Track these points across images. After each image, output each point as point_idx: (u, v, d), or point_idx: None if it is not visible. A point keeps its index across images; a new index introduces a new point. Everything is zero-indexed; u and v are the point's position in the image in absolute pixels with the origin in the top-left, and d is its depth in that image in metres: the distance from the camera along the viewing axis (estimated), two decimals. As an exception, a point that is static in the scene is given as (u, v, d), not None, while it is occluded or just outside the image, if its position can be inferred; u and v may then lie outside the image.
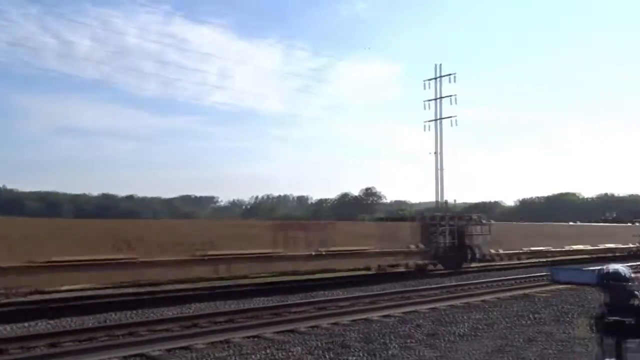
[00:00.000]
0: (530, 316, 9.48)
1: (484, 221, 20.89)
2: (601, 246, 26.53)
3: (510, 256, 22.11)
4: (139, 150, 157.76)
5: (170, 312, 10.19)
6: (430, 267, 19.37)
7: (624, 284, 1.55)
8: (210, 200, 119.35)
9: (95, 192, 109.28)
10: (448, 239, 18.94)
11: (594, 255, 26.12)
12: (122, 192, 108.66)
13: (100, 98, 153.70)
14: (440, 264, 19.35)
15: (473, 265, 20.38)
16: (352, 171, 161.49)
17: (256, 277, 15.48)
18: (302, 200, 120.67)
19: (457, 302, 10.95)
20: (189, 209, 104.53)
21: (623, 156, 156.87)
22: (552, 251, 24.08)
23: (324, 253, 14.87)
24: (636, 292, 1.52)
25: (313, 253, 14.69)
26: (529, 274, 17.17)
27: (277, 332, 8.02)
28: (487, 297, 11.68)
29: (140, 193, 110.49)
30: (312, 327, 8.36)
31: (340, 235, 15.78)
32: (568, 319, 9.31)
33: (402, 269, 17.92)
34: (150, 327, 8.35)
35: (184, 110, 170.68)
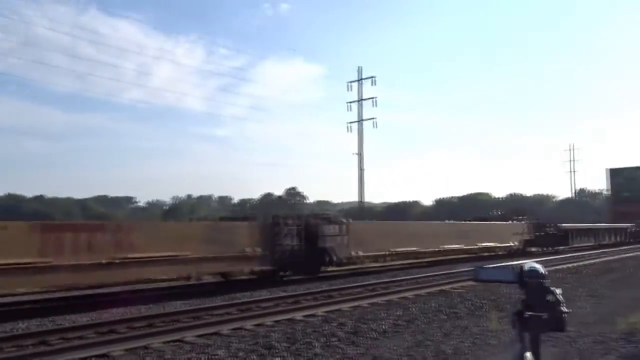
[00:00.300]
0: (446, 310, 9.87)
1: (343, 220, 18.62)
2: (480, 245, 25.03)
3: (374, 258, 20.10)
4: (49, 149, 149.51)
5: (84, 318, 9.70)
6: (288, 273, 16.70)
7: (541, 281, 1.63)
8: (129, 200, 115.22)
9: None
10: (295, 241, 16.36)
11: (472, 255, 25.09)
12: (29, 193, 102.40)
13: (5, 92, 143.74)
14: (290, 270, 16.63)
15: (333, 269, 18.29)
16: (276, 171, 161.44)
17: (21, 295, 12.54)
18: (224, 200, 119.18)
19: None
20: (105, 209, 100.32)
21: (531, 159, 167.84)
22: (424, 252, 21.93)
23: (117, 261, 11.91)
24: (551, 289, 1.62)
25: (104, 261, 11.71)
26: (397, 277, 16.11)
27: (199, 336, 7.86)
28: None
29: (51, 193, 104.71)
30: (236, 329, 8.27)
31: (148, 238, 12.84)
32: (481, 313, 9.76)
33: (244, 277, 15.74)
34: (63, 334, 7.92)
35: (98, 107, 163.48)
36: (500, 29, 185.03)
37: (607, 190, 64.81)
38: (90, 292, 12.97)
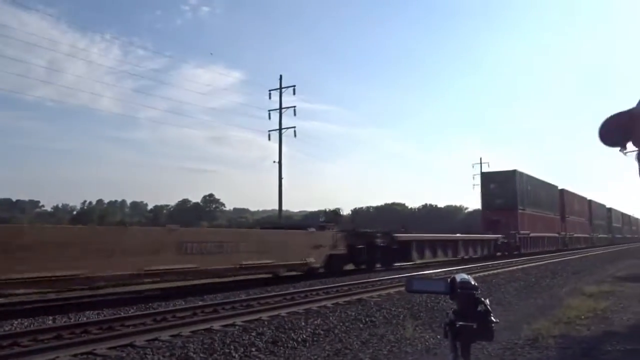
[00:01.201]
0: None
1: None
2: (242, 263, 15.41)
3: None
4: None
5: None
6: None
7: (472, 292, 1.72)
8: (34, 204, 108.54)
9: None
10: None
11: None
12: None
13: None
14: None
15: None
16: (193, 177, 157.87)
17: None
18: (137, 206, 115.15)
19: None
20: (7, 214, 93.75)
21: (445, 172, 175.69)
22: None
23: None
24: (482, 299, 1.71)
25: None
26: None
27: (112, 348, 7.51)
28: None
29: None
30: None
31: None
32: (397, 321, 10.03)
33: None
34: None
35: (3, 104, 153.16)
36: (419, 40, 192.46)
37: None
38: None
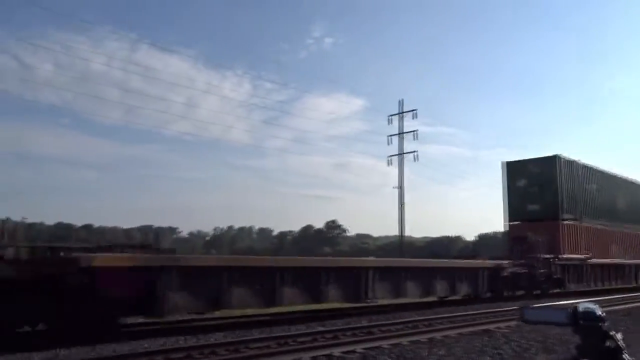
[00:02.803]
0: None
1: None
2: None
3: None
4: (98, 179, 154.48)
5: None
6: None
7: (599, 324, 1.47)
8: (172, 230, 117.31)
9: (50, 221, 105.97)
10: None
11: None
12: (79, 222, 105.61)
13: (60, 124, 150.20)
14: None
15: None
16: (316, 203, 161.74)
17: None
18: (264, 232, 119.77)
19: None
20: (150, 239, 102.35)
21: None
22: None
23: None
24: (611, 333, 1.45)
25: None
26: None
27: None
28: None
29: (99, 223, 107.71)
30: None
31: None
32: (528, 355, 9.34)
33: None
34: None
35: (146, 138, 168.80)
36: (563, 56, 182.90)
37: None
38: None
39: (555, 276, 23.01)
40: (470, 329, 12.33)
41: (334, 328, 11.90)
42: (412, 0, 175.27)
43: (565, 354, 1.70)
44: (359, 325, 12.45)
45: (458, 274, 19.19)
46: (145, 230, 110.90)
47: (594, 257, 26.13)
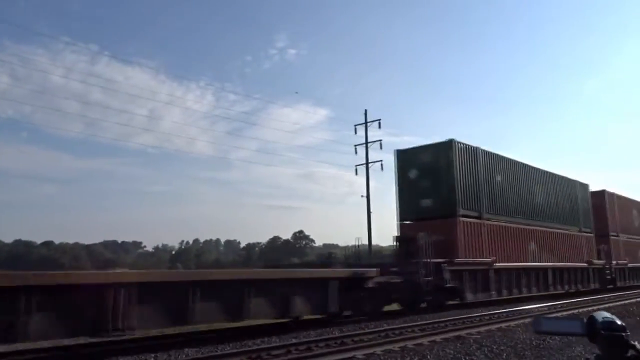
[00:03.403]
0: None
1: None
2: None
3: None
4: (59, 194, 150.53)
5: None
6: None
7: (620, 334, 1.43)
8: (137, 245, 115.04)
9: (8, 238, 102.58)
10: None
11: None
12: (39, 239, 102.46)
13: (18, 138, 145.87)
14: None
15: None
16: (282, 214, 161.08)
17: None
18: (231, 244, 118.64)
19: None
20: (113, 255, 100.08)
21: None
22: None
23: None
24: (633, 343, 1.41)
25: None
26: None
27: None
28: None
29: (59, 239, 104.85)
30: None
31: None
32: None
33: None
34: None
35: (108, 152, 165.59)
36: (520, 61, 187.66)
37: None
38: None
39: (448, 285, 18.52)
40: (443, 335, 12.38)
41: (306, 340, 11.78)
42: (375, 10, 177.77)
43: None
44: (331, 336, 12.36)
45: (292, 288, 13.98)
46: (109, 245, 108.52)
47: (504, 261, 21.94)
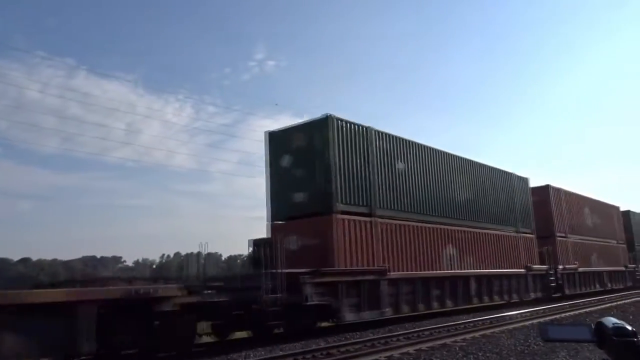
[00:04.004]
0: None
1: None
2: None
3: None
4: (35, 210, 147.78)
5: None
6: None
7: (632, 339, 1.41)
8: (116, 260, 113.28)
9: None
10: None
11: None
12: (15, 256, 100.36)
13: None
14: None
15: None
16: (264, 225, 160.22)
17: None
18: (212, 257, 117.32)
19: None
20: (93, 270, 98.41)
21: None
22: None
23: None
24: None
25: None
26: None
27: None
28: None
29: (37, 256, 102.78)
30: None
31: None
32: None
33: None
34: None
35: (86, 166, 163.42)
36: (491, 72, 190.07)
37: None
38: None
39: (310, 302, 13.89)
40: (428, 344, 12.37)
41: (292, 352, 11.70)
42: (351, 19, 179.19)
43: None
44: (317, 347, 12.28)
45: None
46: (87, 260, 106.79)
47: (405, 269, 17.59)
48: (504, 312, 19.31)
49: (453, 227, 20.66)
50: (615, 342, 1.40)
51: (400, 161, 18.58)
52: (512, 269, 23.92)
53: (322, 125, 16.26)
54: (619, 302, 24.18)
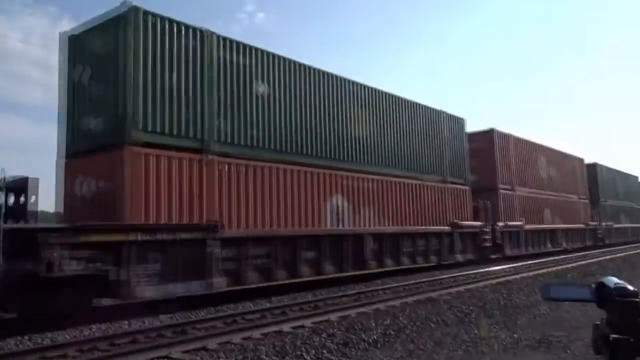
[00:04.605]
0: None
1: None
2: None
3: None
4: (20, 162, 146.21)
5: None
6: None
7: (634, 299, 1.44)
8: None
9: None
10: None
11: None
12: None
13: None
14: None
15: None
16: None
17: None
18: None
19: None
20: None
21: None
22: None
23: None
24: None
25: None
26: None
27: (186, 351, 7.61)
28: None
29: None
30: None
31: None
32: (470, 320, 9.71)
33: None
34: None
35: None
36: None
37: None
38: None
39: (58, 273, 9.38)
40: (414, 297, 12.62)
41: (281, 304, 11.90)
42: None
43: (596, 332, 1.63)
44: (305, 300, 12.50)
45: None
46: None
47: (253, 227, 13.30)
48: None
49: (343, 173, 16.14)
50: (617, 302, 1.43)
51: (259, 81, 14.01)
52: (434, 225, 19.69)
53: (122, 22, 11.64)
54: (558, 268, 20.49)
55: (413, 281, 15.77)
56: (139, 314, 10.44)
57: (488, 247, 22.71)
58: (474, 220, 22.49)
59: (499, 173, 25.36)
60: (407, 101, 19.87)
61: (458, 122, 22.96)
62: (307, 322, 9.62)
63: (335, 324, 9.41)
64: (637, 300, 1.41)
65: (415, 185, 19.43)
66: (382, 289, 14.48)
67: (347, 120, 16.72)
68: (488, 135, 25.67)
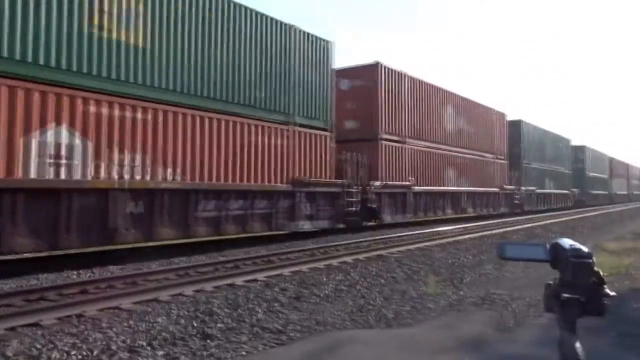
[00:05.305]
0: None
1: None
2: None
3: None
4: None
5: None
6: None
7: (587, 260, 1.48)
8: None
9: None
10: None
11: None
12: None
13: None
14: None
15: None
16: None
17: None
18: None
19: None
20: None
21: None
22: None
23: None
24: (597, 270, 1.47)
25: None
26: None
27: (137, 302, 7.56)
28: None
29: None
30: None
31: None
32: (418, 277, 10.01)
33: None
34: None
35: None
36: None
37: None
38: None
39: None
40: (365, 255, 12.88)
41: (234, 258, 11.93)
42: None
43: (548, 290, 1.69)
44: (259, 254, 12.58)
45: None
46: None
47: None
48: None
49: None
50: (572, 262, 1.46)
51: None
52: (266, 182, 14.89)
53: None
54: (441, 241, 16.20)
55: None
56: (86, 265, 10.32)
57: (353, 212, 17.92)
58: (337, 178, 17.64)
59: (382, 120, 20.19)
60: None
61: (319, 44, 17.03)
62: (260, 276, 9.71)
63: (287, 278, 9.56)
64: (591, 261, 1.45)
65: (249, 125, 14.24)
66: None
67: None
68: (371, 70, 20.21)
